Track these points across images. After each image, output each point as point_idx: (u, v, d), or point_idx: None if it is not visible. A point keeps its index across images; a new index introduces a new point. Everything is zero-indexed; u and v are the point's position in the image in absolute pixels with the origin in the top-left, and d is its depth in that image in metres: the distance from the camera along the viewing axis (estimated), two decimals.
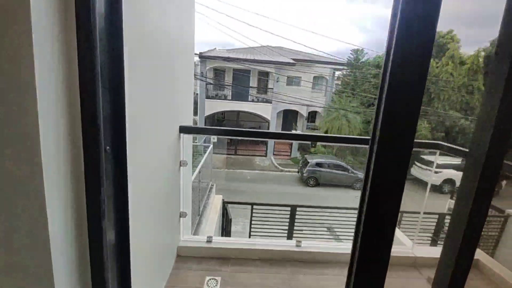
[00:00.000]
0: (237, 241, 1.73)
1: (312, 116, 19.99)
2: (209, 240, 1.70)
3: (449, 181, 12.32)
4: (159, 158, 1.24)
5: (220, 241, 1.71)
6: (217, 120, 18.65)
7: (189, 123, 1.83)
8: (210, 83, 15.74)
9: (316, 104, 16.13)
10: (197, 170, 4.43)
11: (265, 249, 1.67)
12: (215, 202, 5.52)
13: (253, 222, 5.82)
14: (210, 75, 16.29)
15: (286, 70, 15.47)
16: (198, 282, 1.43)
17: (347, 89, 17.64)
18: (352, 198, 11.27)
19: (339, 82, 20.48)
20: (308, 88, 16.22)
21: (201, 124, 15.62)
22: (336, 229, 6.25)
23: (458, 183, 12.32)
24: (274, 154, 16.29)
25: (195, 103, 27.08)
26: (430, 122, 14.15)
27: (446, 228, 6.71)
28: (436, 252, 1.77)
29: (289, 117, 19.09)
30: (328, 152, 15.83)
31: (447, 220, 6.68)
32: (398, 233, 4.32)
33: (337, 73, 20.23)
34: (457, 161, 12.93)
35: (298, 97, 14.74)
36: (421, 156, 13.68)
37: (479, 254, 1.85)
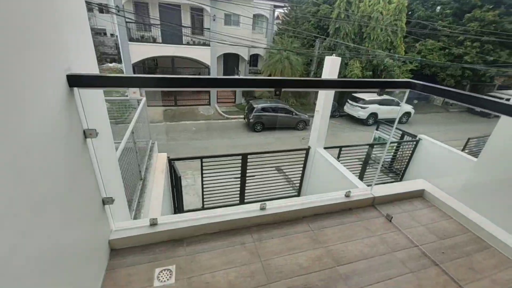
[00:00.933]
0: (191, 217, 1.42)
1: (254, 59, 19.11)
2: (153, 223, 1.33)
3: (374, 115, 14.06)
4: (33, 131, 0.72)
5: (169, 221, 1.37)
6: (148, 69, 16.12)
7: (89, 70, 1.21)
8: (131, 21, 12.84)
9: (257, 46, 15.20)
10: (129, 129, 3.68)
11: (225, 220, 1.43)
12: (160, 161, 4.97)
13: (204, 176, 5.61)
14: (130, 10, 13.19)
15: (222, 6, 13.56)
16: (145, 278, 1.12)
17: (288, 29, 16.91)
18: (296, 137, 11.99)
19: (280, 22, 19.43)
20: (247, 29, 14.89)
21: (128, 74, 13.27)
22: (284, 169, 6.61)
23: (380, 116, 14.24)
24: (218, 102, 15.51)
25: (116, 47, 22.52)
26: (361, 62, 15.12)
27: (374, 155, 7.85)
28: (390, 189, 1.85)
29: (229, 61, 17.79)
30: (272, 96, 15.89)
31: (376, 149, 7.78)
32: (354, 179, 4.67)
33: (278, 11, 18.99)
34: (381, 97, 14.63)
35: (238, 39, 13.49)
36: (352, 94, 14.97)
37: (424, 184, 2.02)
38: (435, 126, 15.28)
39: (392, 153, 7.54)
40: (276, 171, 6.89)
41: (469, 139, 7.69)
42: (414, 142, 7.16)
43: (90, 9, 25.26)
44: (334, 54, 15.17)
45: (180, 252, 1.26)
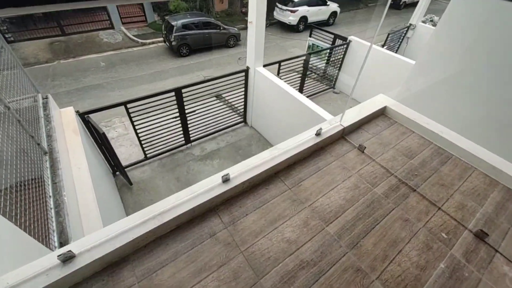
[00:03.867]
0: (130, 223, 0.95)
1: None
2: (68, 257, 0.83)
3: (303, 19, 13.38)
4: None
5: (94, 244, 0.88)
6: None
7: None
8: None
9: None
10: None
11: (179, 215, 1.03)
12: (66, 119, 3.81)
13: (135, 122, 4.72)
14: None
15: None
16: None
17: None
18: (230, 56, 10.89)
19: None
20: None
21: None
22: (225, 96, 6.08)
23: (309, 19, 13.66)
24: (124, 23, 12.18)
25: None
26: None
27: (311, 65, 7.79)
28: (357, 115, 1.67)
29: None
30: (192, 8, 13.16)
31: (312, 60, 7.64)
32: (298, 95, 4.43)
33: None
34: None
35: None
36: None
37: (384, 100, 1.90)
38: (358, 25, 15.70)
39: (325, 60, 7.57)
40: (216, 100, 6.32)
41: (388, 34, 8.10)
42: (345, 46, 7.21)
43: None
44: None
45: (129, 280, 0.87)
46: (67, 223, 2.27)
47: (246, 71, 5.48)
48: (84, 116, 4.10)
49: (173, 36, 9.81)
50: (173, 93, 4.81)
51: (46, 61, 9.54)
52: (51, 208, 2.26)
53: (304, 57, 6.56)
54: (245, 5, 13.87)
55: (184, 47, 10.29)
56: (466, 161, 1.45)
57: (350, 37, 7.02)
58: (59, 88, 8.25)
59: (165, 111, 4.92)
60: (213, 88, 5.34)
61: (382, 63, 6.43)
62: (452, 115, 1.81)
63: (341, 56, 7.38)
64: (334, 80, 7.85)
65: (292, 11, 12.79)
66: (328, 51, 7.31)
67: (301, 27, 13.53)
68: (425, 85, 1.95)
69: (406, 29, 8.53)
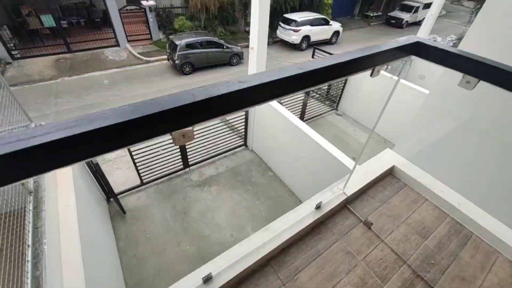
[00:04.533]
0: None
1: None
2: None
3: (306, 38, 13.50)
4: None
5: None
6: None
7: None
8: None
9: None
10: None
11: None
12: None
13: (133, 153, 4.60)
14: None
15: None
16: None
17: None
18: (233, 75, 10.91)
19: None
20: None
21: None
22: (233, 122, 5.94)
23: (312, 38, 13.77)
24: (129, 41, 12.38)
25: None
26: None
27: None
28: (362, 180, 1.49)
29: None
30: (197, 26, 13.38)
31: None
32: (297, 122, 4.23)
33: None
34: (312, 16, 13.80)
35: None
36: (284, 15, 13.70)
37: (392, 157, 1.73)
38: (361, 43, 15.80)
39: None
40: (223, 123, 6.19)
41: None
42: None
43: None
44: None
45: None
46: (43, 278, 2.08)
47: None
48: None
49: (176, 55, 9.88)
50: None
51: (50, 78, 9.62)
52: (27, 261, 2.08)
53: None
54: (249, 24, 14.08)
55: (187, 66, 10.35)
56: (489, 243, 1.26)
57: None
58: (61, 106, 8.25)
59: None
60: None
61: (383, 86, 6.32)
62: (471, 183, 1.58)
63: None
64: (337, 101, 7.74)
65: (295, 31, 12.92)
66: None
67: (304, 45, 13.64)
68: (435, 138, 1.74)
69: None
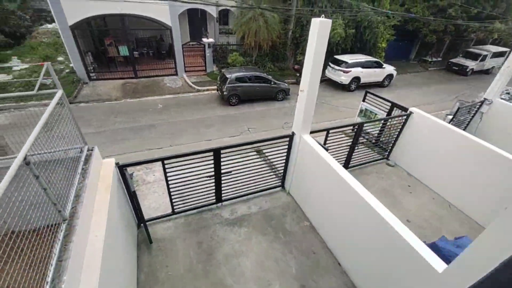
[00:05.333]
0: None
1: (224, 16, 16.63)
2: None
3: (356, 79, 13.18)
4: None
5: None
6: (97, 31, 13.33)
7: None
8: None
9: (226, 2, 12.87)
10: (32, 135, 2.42)
11: None
12: (104, 172, 3.80)
13: (169, 177, 4.58)
14: None
15: None
16: None
17: None
18: (276, 110, 10.95)
19: None
20: None
21: (68, 39, 10.77)
22: (265, 151, 5.68)
23: (362, 80, 13.39)
24: (186, 71, 13.60)
25: (40, 7, 18.26)
26: (344, 18, 13.56)
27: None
28: None
29: (196, 20, 15.32)
30: (248, 62, 14.19)
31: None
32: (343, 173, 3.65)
33: None
34: (364, 58, 13.58)
35: None
36: (335, 56, 13.74)
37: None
38: (417, 88, 14.84)
39: (380, 126, 6.89)
40: (256, 154, 5.99)
41: (458, 108, 7.15)
42: (405, 117, 6.47)
43: None
44: (316, 9, 13.37)
45: None
46: None
47: (291, 137, 5.14)
48: (122, 168, 4.09)
49: (225, 87, 10.39)
50: (211, 153, 4.65)
51: (115, 99, 10.86)
52: None
53: (356, 127, 6.01)
54: (298, 62, 14.44)
55: (234, 97, 10.76)
56: None
57: (412, 109, 6.32)
58: (118, 125, 9.08)
59: (201, 168, 4.71)
60: (255, 145, 5.07)
61: (447, 141, 5.51)
62: None
63: (399, 126, 6.62)
64: (388, 150, 7.00)
65: (344, 72, 12.77)
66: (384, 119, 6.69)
67: (353, 87, 13.31)
68: None
69: (479, 103, 7.50)
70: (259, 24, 12.76)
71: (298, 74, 13.75)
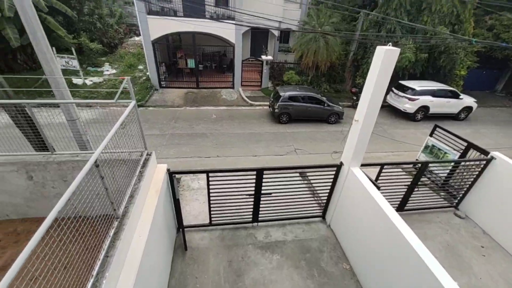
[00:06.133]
0: None
1: (285, 35, 17.10)
2: None
3: (424, 108, 11.82)
4: None
5: None
6: (173, 45, 15.17)
7: None
8: None
9: (289, 21, 13.23)
10: (107, 138, 2.79)
11: None
12: (156, 177, 4.14)
13: (211, 190, 4.73)
14: None
15: None
16: None
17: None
18: (327, 133, 10.52)
19: None
20: (278, 0, 12.87)
21: (149, 51, 12.48)
22: (316, 187, 5.37)
23: (432, 109, 11.92)
24: (242, 85, 14.26)
25: (132, 22, 21.40)
26: (415, 42, 12.47)
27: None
28: None
29: (258, 38, 16.10)
30: (303, 81, 14.15)
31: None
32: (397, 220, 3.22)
33: None
34: (436, 86, 12.15)
35: (267, 13, 11.68)
36: (400, 81, 12.67)
37: None
38: (501, 127, 12.50)
39: (449, 169, 5.90)
40: (298, 177, 5.76)
41: None
42: (484, 162, 5.41)
43: None
44: (383, 32, 12.66)
45: None
46: None
47: (339, 167, 4.81)
48: (171, 175, 4.40)
49: (278, 105, 10.49)
50: (254, 173, 4.65)
51: (178, 106, 12.00)
52: None
53: (419, 165, 5.29)
54: (356, 85, 13.75)
55: (285, 116, 10.76)
56: None
57: (494, 153, 5.29)
58: (176, 130, 9.95)
59: (242, 185, 4.75)
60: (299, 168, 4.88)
61: None
62: None
63: (476, 171, 5.58)
64: (459, 197, 5.93)
65: (410, 99, 11.59)
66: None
67: (419, 116, 11.96)
68: None
69: None
70: (319, 45, 12.68)
71: (355, 98, 13.06)
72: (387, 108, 13.01)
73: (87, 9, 16.23)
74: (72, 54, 12.27)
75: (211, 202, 4.86)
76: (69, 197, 2.01)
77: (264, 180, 4.71)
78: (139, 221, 3.30)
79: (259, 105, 12.61)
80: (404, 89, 12.05)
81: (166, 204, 4.32)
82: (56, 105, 4.70)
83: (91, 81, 13.16)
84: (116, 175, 3.07)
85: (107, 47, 17.56)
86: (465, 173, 5.70)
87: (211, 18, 12.24)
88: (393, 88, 12.59)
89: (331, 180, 4.99)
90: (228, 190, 4.70)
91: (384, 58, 3.55)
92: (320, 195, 5.43)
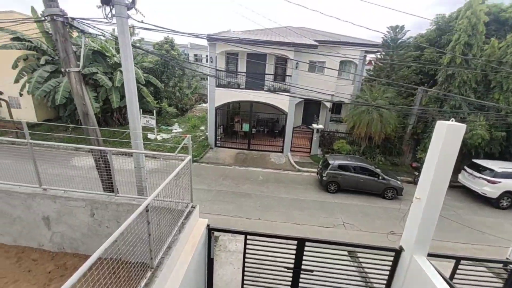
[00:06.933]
0: None
1: (337, 106, 17.74)
2: None
3: (510, 194, 9.78)
4: None
5: None
6: (232, 111, 17.23)
7: None
8: (220, 70, 14.19)
9: (342, 95, 13.91)
10: (161, 186, 3.06)
11: None
12: (195, 230, 4.16)
13: (247, 255, 4.42)
14: (222, 60, 14.71)
15: (307, 53, 13.33)
16: None
17: (380, 76, 15.01)
18: (381, 209, 9.36)
19: (371, 68, 17.72)
20: (332, 76, 13.98)
21: (211, 115, 14.33)
22: (368, 273, 4.55)
23: None
24: (291, 151, 14.57)
25: (203, 93, 25.42)
26: (487, 119, 11.34)
27: None
28: None
29: (310, 107, 17.06)
30: (355, 151, 13.73)
31: None
32: None
33: (369, 56, 17.45)
34: None
35: (320, 87, 12.63)
36: (473, 160, 11.15)
37: None
38: None
39: None
40: (347, 256, 4.97)
41: None
42: None
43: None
44: (446, 107, 12.05)
45: None
46: None
47: (398, 252, 4.05)
48: (210, 231, 4.35)
49: (326, 172, 10.15)
50: (295, 242, 4.26)
51: (228, 164, 12.71)
52: None
53: (511, 265, 4.09)
54: (418, 160, 12.60)
55: (333, 184, 10.21)
56: None
57: None
58: (223, 187, 10.29)
59: (281, 255, 4.32)
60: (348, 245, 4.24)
61: None
62: None
63: None
64: None
65: (490, 181, 9.85)
66: None
67: (505, 204, 9.84)
68: None
69: None
70: (373, 117, 12.61)
71: (416, 173, 11.79)
72: (461, 189, 11.19)
73: (172, 83, 20.33)
74: (153, 115, 14.93)
75: (246, 269, 4.48)
76: (117, 237, 2.15)
77: (305, 253, 4.23)
78: (170, 275, 3.20)
79: (307, 171, 12.40)
80: (480, 169, 10.44)
81: (199, 263, 4.16)
82: (130, 154, 5.54)
83: (162, 137, 15.38)
84: (160, 223, 3.22)
85: (180, 111, 20.94)
86: None
87: (269, 90, 13.79)
88: (465, 167, 11.05)
89: (389, 268, 4.16)
90: (265, 258, 4.32)
91: (446, 134, 3.28)
92: (374, 284, 4.49)
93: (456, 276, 3.93)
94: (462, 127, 3.26)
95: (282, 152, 14.56)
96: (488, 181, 9.85)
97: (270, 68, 14.88)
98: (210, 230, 4.36)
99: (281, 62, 14.83)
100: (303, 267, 4.32)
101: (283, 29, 14.41)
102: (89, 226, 4.39)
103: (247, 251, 4.40)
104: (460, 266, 3.97)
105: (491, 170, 9.99)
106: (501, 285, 4.09)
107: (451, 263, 3.98)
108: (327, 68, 13.91)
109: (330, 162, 10.37)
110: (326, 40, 14.83)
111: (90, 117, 5.10)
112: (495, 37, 11.95)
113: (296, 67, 13.14)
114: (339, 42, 15.16)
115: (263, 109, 15.03)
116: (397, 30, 14.75)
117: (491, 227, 8.53)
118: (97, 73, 13.80)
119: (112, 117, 15.91)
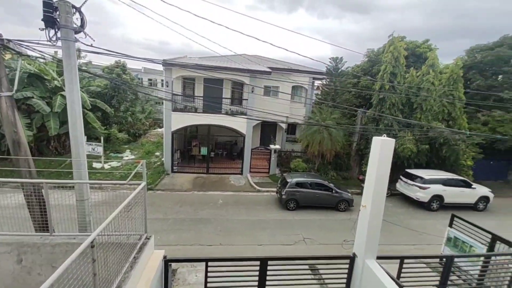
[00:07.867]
0: None
1: (292, 127, 18.84)
2: None
3: (438, 198, 11.39)
4: None
5: None
6: (190, 135, 16.86)
7: None
8: (177, 94, 14.05)
9: (295, 117, 14.91)
10: (110, 217, 2.79)
11: None
12: (150, 264, 3.82)
13: (209, 282, 4.19)
14: (178, 85, 14.62)
15: (262, 79, 14.19)
16: None
17: (327, 99, 16.68)
18: (335, 221, 9.92)
19: (319, 92, 19.60)
20: (286, 100, 15.00)
21: (167, 140, 13.80)
22: (329, 284, 4.68)
23: (446, 199, 11.45)
24: (251, 172, 14.72)
25: (158, 117, 24.65)
26: (414, 134, 13.37)
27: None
28: None
29: (267, 129, 17.77)
30: (310, 168, 14.56)
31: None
32: None
33: (317, 82, 19.35)
34: (445, 175, 12.13)
35: (275, 110, 13.41)
36: (406, 170, 12.80)
37: None
38: None
39: (480, 265, 5.13)
40: (308, 271, 5.05)
41: None
42: None
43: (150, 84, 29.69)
44: (381, 126, 13.86)
45: None
46: None
47: (352, 259, 4.32)
48: (166, 263, 4.05)
49: (285, 191, 10.46)
50: (258, 262, 4.22)
51: (185, 190, 12.16)
52: None
53: (444, 259, 4.70)
54: (363, 172, 13.92)
55: (292, 202, 10.54)
56: None
57: None
58: (180, 215, 9.72)
59: (245, 278, 4.21)
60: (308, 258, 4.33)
61: None
62: None
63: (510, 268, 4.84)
64: None
65: (421, 187, 11.37)
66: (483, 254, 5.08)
67: (435, 206, 11.39)
68: None
69: None
70: (323, 136, 13.73)
71: (363, 185, 12.94)
72: (400, 196, 12.61)
73: (124, 107, 19.20)
74: (100, 142, 13.70)
75: None
76: (51, 284, 1.88)
77: (269, 272, 4.22)
78: None
79: (267, 191, 12.58)
80: (412, 177, 12.03)
81: None
82: (70, 187, 4.94)
83: (109, 165, 14.08)
84: (108, 260, 2.89)
85: (132, 136, 19.65)
86: (499, 271, 4.93)
87: (226, 113, 14.04)
88: (401, 176, 12.60)
89: (345, 275, 4.39)
90: (229, 284, 4.16)
91: (381, 148, 3.81)
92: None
93: (402, 274, 4.34)
94: (392, 141, 3.84)
95: (241, 173, 14.60)
96: (420, 187, 11.37)
97: (227, 92, 15.27)
98: (167, 262, 4.07)
99: (238, 86, 15.41)
100: (267, 287, 4.27)
101: (238, 57, 15.19)
102: (15, 275, 3.69)
103: (209, 279, 4.20)
104: (404, 265, 4.41)
105: (421, 178, 11.61)
106: (438, 277, 4.64)
107: (397, 263, 4.39)
108: (280, 92, 14.93)
109: (288, 180, 10.77)
110: (278, 67, 16.05)
111: (23, 146, 4.50)
112: (413, 68, 14.58)
113: (252, 91, 13.77)
114: (290, 70, 16.55)
115: (221, 132, 15.12)
116: (337, 61, 16.82)
117: (427, 227, 9.70)
118: (32, 97, 12.33)
119: (49, 146, 14.10)
